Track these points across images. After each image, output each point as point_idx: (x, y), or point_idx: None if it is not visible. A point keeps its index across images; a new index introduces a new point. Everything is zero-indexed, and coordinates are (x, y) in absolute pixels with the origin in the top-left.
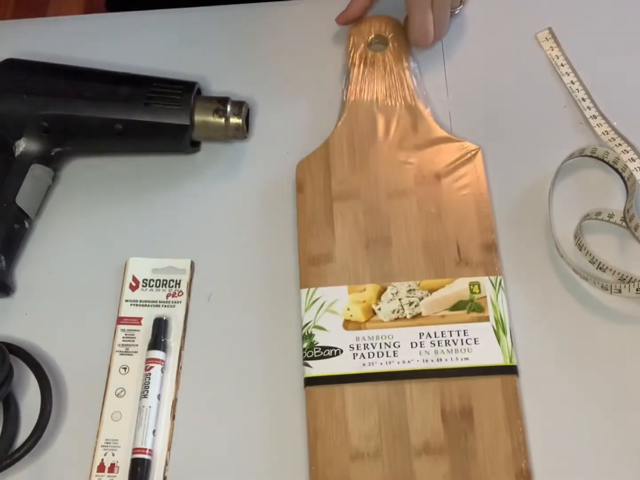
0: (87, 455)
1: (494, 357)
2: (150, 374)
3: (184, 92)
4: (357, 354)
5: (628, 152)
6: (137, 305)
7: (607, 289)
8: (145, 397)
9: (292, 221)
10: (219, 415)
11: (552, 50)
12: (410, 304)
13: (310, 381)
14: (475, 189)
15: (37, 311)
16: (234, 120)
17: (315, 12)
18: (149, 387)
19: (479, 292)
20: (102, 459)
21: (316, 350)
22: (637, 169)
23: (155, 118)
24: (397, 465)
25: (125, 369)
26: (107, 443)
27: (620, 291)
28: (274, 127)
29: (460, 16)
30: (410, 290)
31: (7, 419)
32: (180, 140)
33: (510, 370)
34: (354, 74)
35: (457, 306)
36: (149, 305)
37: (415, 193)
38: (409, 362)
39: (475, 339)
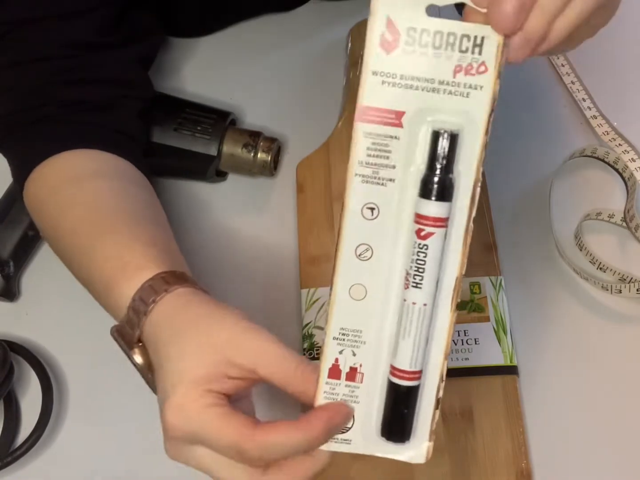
0: (86, 456)
1: (495, 357)
2: (427, 245)
3: (216, 121)
4: None
5: (628, 153)
6: (394, 85)
7: (607, 289)
8: (417, 286)
9: (292, 221)
10: None
11: None
12: None
13: None
14: None
15: (38, 310)
16: (262, 156)
17: (316, 12)
18: (423, 270)
19: (479, 292)
20: (337, 359)
21: (317, 350)
22: (638, 169)
23: (181, 144)
24: (398, 464)
25: (372, 210)
26: (343, 334)
27: (620, 291)
28: (274, 127)
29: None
30: None
31: (7, 417)
32: (204, 170)
33: (510, 370)
34: (354, 74)
35: (458, 306)
36: (419, 89)
37: None
38: None
39: (475, 339)
